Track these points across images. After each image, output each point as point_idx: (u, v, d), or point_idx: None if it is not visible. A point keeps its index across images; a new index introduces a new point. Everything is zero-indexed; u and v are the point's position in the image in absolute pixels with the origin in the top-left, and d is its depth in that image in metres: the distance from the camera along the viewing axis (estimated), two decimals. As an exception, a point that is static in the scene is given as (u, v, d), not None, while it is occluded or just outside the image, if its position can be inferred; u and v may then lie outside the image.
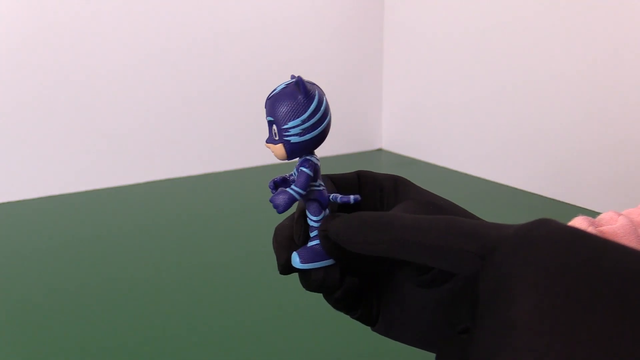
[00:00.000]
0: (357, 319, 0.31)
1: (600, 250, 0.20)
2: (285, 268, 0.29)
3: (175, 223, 0.92)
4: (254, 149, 1.27)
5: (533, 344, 0.18)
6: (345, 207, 0.30)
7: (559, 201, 1.01)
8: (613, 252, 0.19)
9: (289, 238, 0.29)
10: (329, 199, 0.28)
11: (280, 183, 0.28)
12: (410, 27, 1.30)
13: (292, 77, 0.26)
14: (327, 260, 0.27)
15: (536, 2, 1.01)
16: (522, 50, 1.05)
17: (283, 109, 0.25)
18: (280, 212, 0.26)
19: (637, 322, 0.17)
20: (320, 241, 0.27)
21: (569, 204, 1.00)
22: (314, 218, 0.27)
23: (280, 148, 0.26)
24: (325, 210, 0.28)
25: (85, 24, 1.07)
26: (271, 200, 0.26)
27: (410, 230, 0.24)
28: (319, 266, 0.27)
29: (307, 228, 0.28)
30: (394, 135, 1.39)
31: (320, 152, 1.32)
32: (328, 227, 0.26)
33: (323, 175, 0.31)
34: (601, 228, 0.32)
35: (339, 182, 0.31)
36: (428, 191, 0.30)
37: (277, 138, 0.26)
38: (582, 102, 0.96)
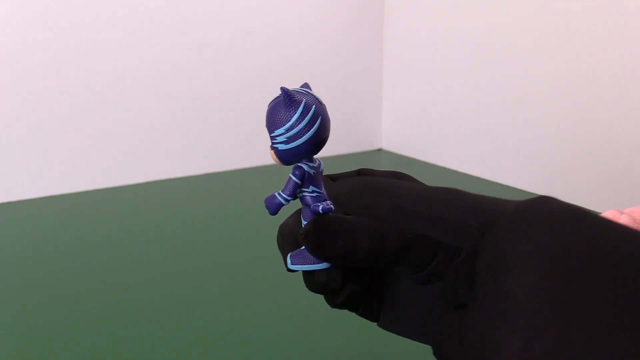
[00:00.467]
0: (361, 315, 0.31)
1: (601, 231, 0.19)
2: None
3: (175, 223, 0.92)
4: (254, 149, 1.27)
5: (531, 320, 0.18)
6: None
7: (559, 201, 1.01)
8: (613, 234, 0.19)
9: (292, 236, 0.29)
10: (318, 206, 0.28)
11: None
12: (410, 27, 1.30)
13: (281, 89, 0.27)
14: (319, 264, 0.28)
15: (536, 3, 1.01)
16: (521, 50, 1.05)
17: (270, 118, 0.27)
18: (271, 214, 0.27)
19: (634, 307, 0.17)
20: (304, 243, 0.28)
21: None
22: (304, 223, 0.28)
23: (273, 154, 0.28)
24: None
25: (86, 24, 1.07)
26: (264, 202, 0.27)
27: (412, 199, 0.24)
28: (309, 269, 0.28)
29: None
30: (394, 135, 1.39)
31: (320, 152, 1.32)
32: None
33: (324, 176, 0.31)
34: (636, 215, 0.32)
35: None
36: (429, 186, 0.30)
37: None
38: (582, 102, 0.96)
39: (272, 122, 0.27)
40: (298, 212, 0.31)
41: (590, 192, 0.97)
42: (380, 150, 1.42)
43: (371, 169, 0.32)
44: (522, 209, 0.21)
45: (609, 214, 0.34)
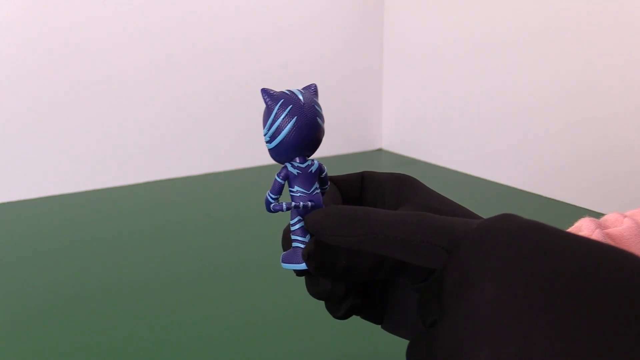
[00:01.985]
0: (364, 318, 0.31)
1: (558, 243, 0.20)
2: None
3: (175, 223, 0.92)
4: (254, 149, 1.27)
5: (494, 333, 0.19)
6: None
7: (559, 201, 1.01)
8: (570, 245, 0.20)
9: (289, 237, 0.30)
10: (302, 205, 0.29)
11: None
12: (410, 27, 1.30)
13: (261, 90, 0.29)
14: (301, 264, 0.29)
15: (536, 4, 1.01)
16: (521, 50, 1.05)
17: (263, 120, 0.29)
18: (267, 211, 0.30)
19: (592, 312, 0.18)
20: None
21: (569, 204, 1.00)
22: (290, 222, 0.30)
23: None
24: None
25: (86, 24, 1.07)
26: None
27: (382, 225, 0.25)
28: (293, 268, 0.29)
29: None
30: (394, 135, 1.39)
31: (320, 152, 1.33)
32: (305, 219, 0.28)
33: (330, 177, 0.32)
34: (607, 230, 0.32)
35: (342, 184, 0.31)
36: (434, 191, 0.31)
37: None
38: (582, 102, 0.96)
39: (263, 123, 0.29)
40: None
41: (590, 192, 0.97)
42: (380, 150, 1.42)
43: (374, 172, 0.32)
44: (485, 226, 0.22)
45: (611, 217, 0.34)
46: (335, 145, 1.37)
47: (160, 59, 1.14)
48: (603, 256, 0.19)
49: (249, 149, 1.26)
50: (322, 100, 1.31)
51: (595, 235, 0.32)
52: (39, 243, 0.85)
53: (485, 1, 1.11)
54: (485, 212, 0.97)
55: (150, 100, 1.15)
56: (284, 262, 0.29)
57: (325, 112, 1.32)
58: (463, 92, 1.19)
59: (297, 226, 0.29)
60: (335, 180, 0.32)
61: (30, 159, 1.06)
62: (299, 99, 0.28)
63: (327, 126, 1.34)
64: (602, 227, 0.32)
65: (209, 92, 1.20)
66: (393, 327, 0.31)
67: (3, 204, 1.04)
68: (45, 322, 0.63)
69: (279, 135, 0.27)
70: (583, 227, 0.33)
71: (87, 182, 1.11)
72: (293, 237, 0.29)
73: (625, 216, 0.33)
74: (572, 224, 0.93)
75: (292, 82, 1.28)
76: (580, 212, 0.96)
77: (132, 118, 1.14)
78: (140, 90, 1.13)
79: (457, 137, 1.21)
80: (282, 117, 0.27)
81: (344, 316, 0.30)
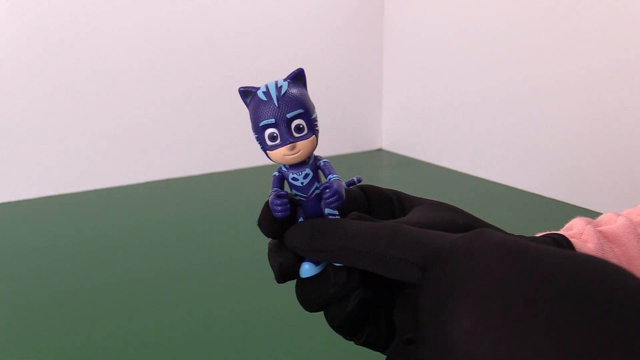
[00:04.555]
0: (364, 343, 0.29)
1: (536, 262, 0.20)
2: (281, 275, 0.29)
3: (175, 223, 0.92)
4: (254, 149, 1.27)
5: None
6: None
7: (558, 201, 1.01)
8: (548, 263, 0.19)
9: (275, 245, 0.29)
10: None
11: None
12: (410, 27, 1.30)
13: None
14: (317, 268, 0.27)
15: (537, 4, 1.01)
16: (521, 51, 1.05)
17: None
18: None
19: (574, 336, 0.18)
20: None
21: (568, 204, 1.00)
22: (299, 219, 0.28)
23: None
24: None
25: (85, 26, 1.07)
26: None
27: (355, 239, 0.25)
28: (313, 273, 0.28)
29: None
30: (394, 135, 1.39)
31: (320, 152, 1.32)
32: (284, 235, 0.27)
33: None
34: (600, 228, 0.32)
35: (346, 200, 0.30)
36: (374, 223, 0.30)
37: None
38: (583, 103, 0.96)
39: None
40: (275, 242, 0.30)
41: (590, 192, 0.97)
42: (380, 150, 1.42)
43: (372, 185, 0.31)
44: (459, 246, 0.21)
45: (605, 216, 0.34)
46: (335, 145, 1.37)
47: (161, 61, 1.14)
48: (578, 272, 0.19)
49: (249, 149, 1.26)
50: (322, 100, 1.31)
51: (586, 231, 0.31)
52: (39, 242, 0.85)
53: (485, 1, 1.11)
54: (486, 212, 0.97)
55: (151, 101, 1.15)
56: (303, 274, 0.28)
57: (325, 112, 1.32)
58: (463, 93, 1.18)
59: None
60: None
61: (30, 159, 1.06)
62: (264, 87, 0.26)
63: (327, 126, 1.34)
64: (594, 225, 0.32)
65: (210, 93, 1.20)
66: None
67: (3, 204, 1.04)
68: (46, 320, 0.63)
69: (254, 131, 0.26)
70: (574, 226, 0.32)
71: (87, 182, 1.11)
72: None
73: (619, 215, 0.33)
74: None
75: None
76: (580, 212, 0.96)
77: (132, 119, 1.14)
78: (140, 92, 1.13)
79: (457, 137, 1.21)
80: (249, 112, 0.26)
81: (353, 314, 0.27)
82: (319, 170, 0.28)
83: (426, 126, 1.29)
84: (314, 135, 0.27)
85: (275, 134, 0.26)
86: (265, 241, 0.29)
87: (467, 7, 1.15)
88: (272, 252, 0.29)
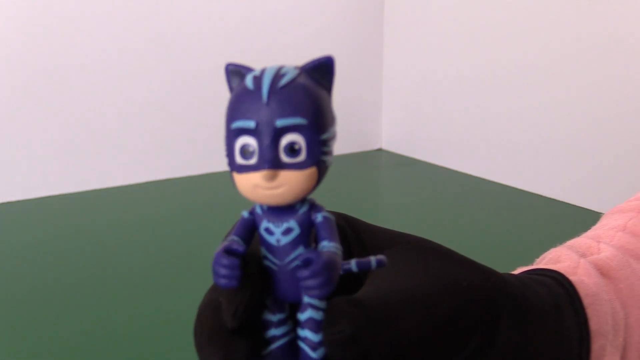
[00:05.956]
0: None
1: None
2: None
3: (175, 223, 0.92)
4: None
5: None
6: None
7: (558, 201, 1.01)
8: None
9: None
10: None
11: None
12: (410, 26, 1.30)
13: None
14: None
15: (537, 4, 1.01)
16: (521, 50, 1.05)
17: None
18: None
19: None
20: None
21: (568, 203, 1.00)
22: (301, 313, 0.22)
23: None
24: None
25: (84, 24, 1.07)
26: None
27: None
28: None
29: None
30: (394, 135, 1.39)
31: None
32: None
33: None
34: (591, 259, 0.28)
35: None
36: (377, 226, 0.26)
37: None
38: (583, 102, 0.96)
39: None
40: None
41: (590, 192, 0.97)
42: (380, 150, 1.42)
43: (355, 219, 0.26)
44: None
45: (577, 242, 0.31)
46: (335, 145, 1.36)
47: (161, 60, 1.14)
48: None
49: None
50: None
51: (582, 266, 0.28)
52: (39, 242, 0.85)
53: (485, 1, 1.11)
54: (486, 212, 0.97)
55: (150, 100, 1.15)
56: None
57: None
58: (463, 92, 1.18)
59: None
60: None
61: (30, 159, 1.06)
62: (250, 76, 0.19)
63: (327, 126, 1.34)
64: (583, 255, 0.30)
65: (209, 92, 1.20)
66: None
67: (3, 204, 1.04)
68: (46, 320, 0.63)
69: None
70: (563, 258, 0.29)
71: (87, 182, 1.11)
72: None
73: (591, 239, 0.31)
74: (571, 225, 0.93)
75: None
76: (580, 212, 0.96)
77: (132, 118, 1.14)
78: (140, 91, 1.13)
79: (457, 137, 1.21)
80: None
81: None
82: (313, 228, 0.18)
83: (426, 126, 1.29)
84: (314, 168, 0.17)
85: (251, 148, 0.17)
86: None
87: (468, 6, 1.15)
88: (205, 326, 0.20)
